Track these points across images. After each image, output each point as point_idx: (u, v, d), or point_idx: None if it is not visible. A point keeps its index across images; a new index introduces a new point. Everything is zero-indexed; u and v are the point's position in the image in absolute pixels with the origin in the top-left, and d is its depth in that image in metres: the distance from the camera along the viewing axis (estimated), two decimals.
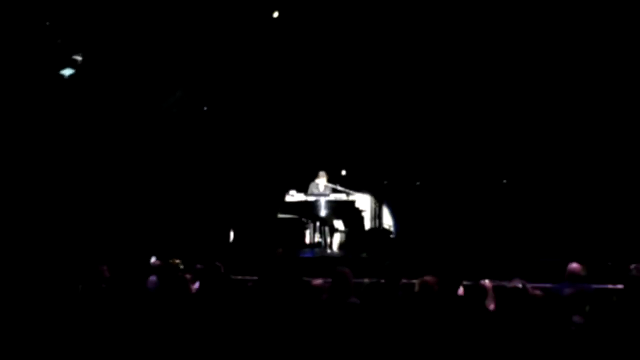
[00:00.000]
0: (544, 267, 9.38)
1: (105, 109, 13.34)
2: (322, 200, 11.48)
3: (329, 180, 11.92)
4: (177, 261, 7.86)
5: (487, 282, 6.18)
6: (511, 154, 12.50)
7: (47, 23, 13.88)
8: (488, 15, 11.99)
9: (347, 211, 11.65)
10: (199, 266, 7.44)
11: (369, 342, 4.95)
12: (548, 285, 7.29)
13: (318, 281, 5.95)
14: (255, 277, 7.62)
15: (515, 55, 12.12)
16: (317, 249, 11.42)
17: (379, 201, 12.18)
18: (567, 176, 12.02)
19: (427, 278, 6.56)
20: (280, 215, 11.80)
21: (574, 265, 7.15)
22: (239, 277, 8.35)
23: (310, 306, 5.52)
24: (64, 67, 14.00)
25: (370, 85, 13.31)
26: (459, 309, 5.65)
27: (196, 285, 7.06)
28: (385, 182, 12.11)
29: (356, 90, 13.34)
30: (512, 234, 11.22)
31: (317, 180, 11.93)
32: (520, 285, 6.54)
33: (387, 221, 12.21)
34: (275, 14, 13.18)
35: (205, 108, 14.36)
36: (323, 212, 11.44)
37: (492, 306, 6.02)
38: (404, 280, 6.59)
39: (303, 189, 11.88)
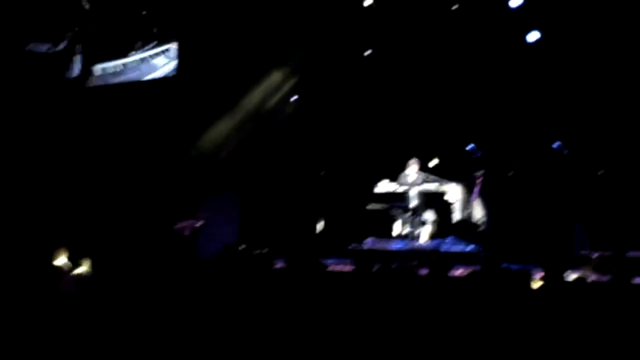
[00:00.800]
0: None
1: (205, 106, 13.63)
2: (412, 191, 11.37)
3: (419, 170, 11.82)
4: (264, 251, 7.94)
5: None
6: (608, 147, 12.15)
7: (144, 12, 14.23)
8: None
9: (437, 202, 11.50)
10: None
11: (475, 333, 4.88)
12: None
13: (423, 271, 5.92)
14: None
15: None
16: (407, 240, 11.32)
17: (469, 192, 11.95)
18: None
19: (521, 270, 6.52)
20: (370, 206, 11.73)
21: None
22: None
23: (408, 295, 5.48)
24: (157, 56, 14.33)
25: (461, 75, 13.12)
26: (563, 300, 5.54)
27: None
28: (476, 173, 11.87)
29: (449, 81, 13.17)
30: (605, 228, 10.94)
31: (407, 171, 11.84)
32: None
33: (478, 213, 11.96)
34: (368, 2, 13.16)
35: (293, 98, 14.48)
36: (413, 203, 11.32)
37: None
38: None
39: (393, 179, 11.80)
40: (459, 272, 8.55)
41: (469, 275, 6.20)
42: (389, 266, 6.60)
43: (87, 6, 13.99)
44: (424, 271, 6.32)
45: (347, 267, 9.41)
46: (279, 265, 7.69)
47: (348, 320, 5.28)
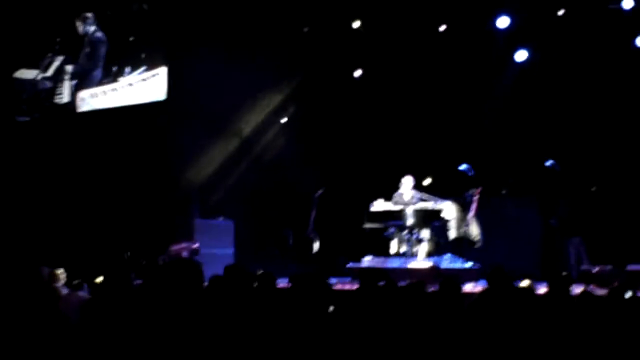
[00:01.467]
0: None
1: None
2: (408, 210, 11.36)
3: (413, 187, 11.83)
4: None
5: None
6: (600, 163, 12.23)
7: (131, 38, 14.22)
8: None
9: (433, 220, 11.51)
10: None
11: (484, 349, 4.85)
12: None
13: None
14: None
15: None
16: (404, 258, 11.30)
17: (464, 210, 11.96)
18: None
19: (524, 283, 6.55)
20: (366, 225, 11.72)
21: None
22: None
23: (420, 312, 5.43)
24: None
25: (453, 95, 13.19)
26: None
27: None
28: (472, 190, 11.89)
29: (441, 100, 13.24)
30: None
31: (401, 189, 11.84)
32: None
33: (475, 230, 11.96)
34: (356, 24, 13.24)
35: (283, 120, 14.49)
36: (409, 221, 11.32)
37: None
38: None
39: (388, 198, 11.81)
40: (468, 288, 8.56)
41: (482, 292, 6.19)
42: (394, 283, 6.57)
43: (80, 28, 13.95)
44: (433, 288, 6.29)
45: (351, 285, 9.41)
46: (282, 284, 7.63)
47: (360, 338, 5.22)
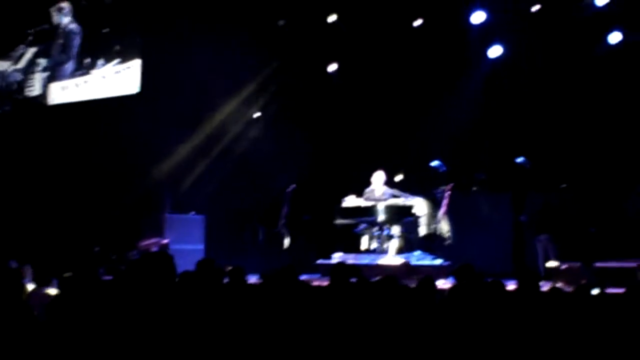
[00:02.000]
0: None
1: None
2: (379, 206, 11.38)
3: (384, 184, 11.84)
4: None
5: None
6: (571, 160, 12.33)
7: (105, 30, 14.10)
8: None
9: (404, 216, 11.53)
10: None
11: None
12: None
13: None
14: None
15: None
16: (374, 255, 11.32)
17: (435, 206, 12.01)
18: None
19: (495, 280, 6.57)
20: (337, 221, 11.72)
21: None
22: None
23: (390, 309, 5.45)
24: None
25: (425, 91, 13.23)
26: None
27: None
28: (443, 187, 11.93)
29: (413, 96, 13.27)
30: None
31: (373, 185, 11.84)
32: None
33: (445, 226, 12.01)
34: (332, 18, 13.23)
35: (256, 115, 14.46)
36: (380, 218, 11.32)
37: None
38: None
39: (359, 194, 11.81)
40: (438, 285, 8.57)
41: (451, 288, 6.21)
42: (366, 279, 6.57)
43: (55, 18, 13.81)
44: (411, 283, 6.32)
45: (321, 282, 9.41)
46: (253, 280, 7.64)
47: (332, 334, 5.22)
